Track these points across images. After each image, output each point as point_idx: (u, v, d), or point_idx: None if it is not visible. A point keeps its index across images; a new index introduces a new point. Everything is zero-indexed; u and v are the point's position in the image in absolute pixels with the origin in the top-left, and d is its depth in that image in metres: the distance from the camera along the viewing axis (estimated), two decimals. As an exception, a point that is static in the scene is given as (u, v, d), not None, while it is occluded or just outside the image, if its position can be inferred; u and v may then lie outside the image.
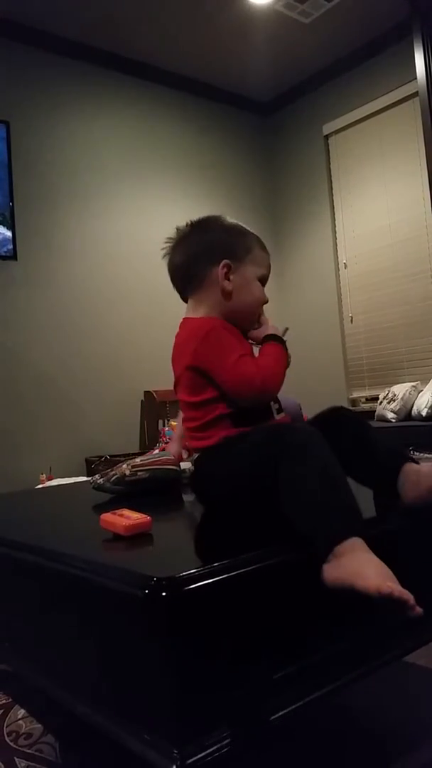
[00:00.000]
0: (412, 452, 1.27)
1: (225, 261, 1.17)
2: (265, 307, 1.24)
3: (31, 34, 3.65)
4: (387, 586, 0.68)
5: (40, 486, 3.15)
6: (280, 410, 1.16)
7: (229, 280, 1.17)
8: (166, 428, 3.62)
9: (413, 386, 3.68)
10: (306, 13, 3.71)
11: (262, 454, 0.92)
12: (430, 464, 0.97)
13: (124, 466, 1.26)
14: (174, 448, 1.44)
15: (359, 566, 0.73)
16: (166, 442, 2.24)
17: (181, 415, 1.48)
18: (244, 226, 1.25)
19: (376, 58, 4.08)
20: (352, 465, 0.96)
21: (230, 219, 1.25)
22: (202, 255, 1.19)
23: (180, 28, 3.78)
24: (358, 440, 1.01)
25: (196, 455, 1.14)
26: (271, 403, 1.14)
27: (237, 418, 1.08)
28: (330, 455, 0.87)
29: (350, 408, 4.21)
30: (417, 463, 0.97)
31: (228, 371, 1.07)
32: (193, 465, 1.13)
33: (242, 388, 1.07)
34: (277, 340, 1.17)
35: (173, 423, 1.76)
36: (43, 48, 3.72)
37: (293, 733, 0.79)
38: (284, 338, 1.20)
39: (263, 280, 1.22)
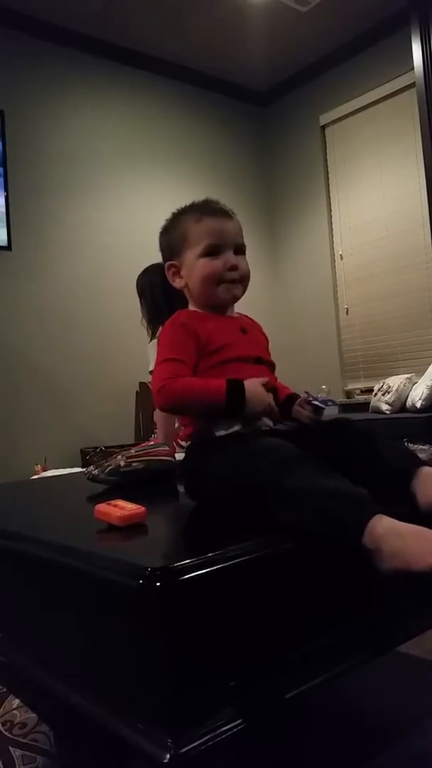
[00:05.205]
0: (406, 444, 1.27)
1: (168, 263, 1.23)
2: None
3: (27, 23, 3.62)
4: None
5: (35, 476, 3.15)
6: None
7: (180, 277, 1.21)
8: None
9: (408, 378, 3.69)
10: (303, 2, 3.68)
11: (244, 474, 0.90)
12: None
13: (119, 456, 1.26)
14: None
15: (403, 546, 0.73)
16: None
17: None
18: (181, 209, 1.22)
19: (373, 48, 4.06)
20: (357, 472, 0.89)
21: (176, 210, 1.23)
22: (163, 262, 1.26)
23: (176, 17, 3.75)
24: (363, 446, 0.97)
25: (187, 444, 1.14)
26: None
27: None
28: (314, 459, 0.87)
29: (345, 399, 4.22)
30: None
31: (153, 371, 1.13)
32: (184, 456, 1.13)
33: (153, 391, 1.11)
34: (233, 390, 1.05)
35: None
36: (38, 37, 3.69)
37: (284, 719, 0.79)
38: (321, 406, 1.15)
39: (213, 249, 1.15)
